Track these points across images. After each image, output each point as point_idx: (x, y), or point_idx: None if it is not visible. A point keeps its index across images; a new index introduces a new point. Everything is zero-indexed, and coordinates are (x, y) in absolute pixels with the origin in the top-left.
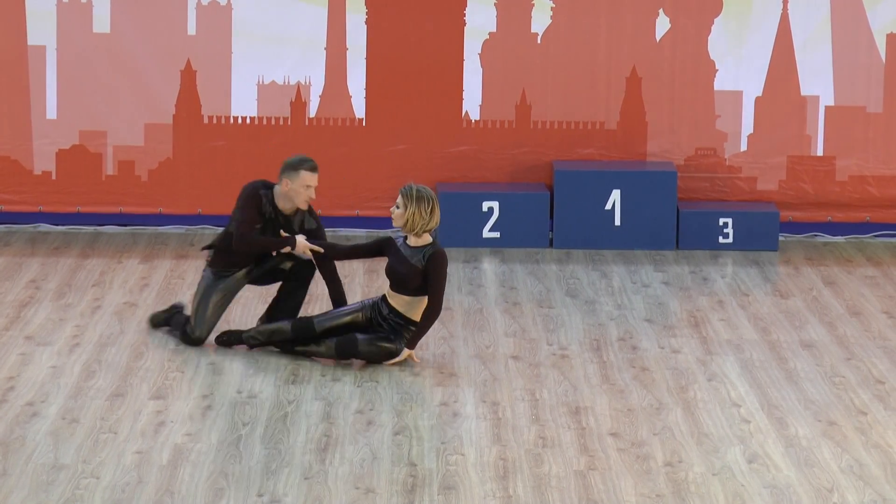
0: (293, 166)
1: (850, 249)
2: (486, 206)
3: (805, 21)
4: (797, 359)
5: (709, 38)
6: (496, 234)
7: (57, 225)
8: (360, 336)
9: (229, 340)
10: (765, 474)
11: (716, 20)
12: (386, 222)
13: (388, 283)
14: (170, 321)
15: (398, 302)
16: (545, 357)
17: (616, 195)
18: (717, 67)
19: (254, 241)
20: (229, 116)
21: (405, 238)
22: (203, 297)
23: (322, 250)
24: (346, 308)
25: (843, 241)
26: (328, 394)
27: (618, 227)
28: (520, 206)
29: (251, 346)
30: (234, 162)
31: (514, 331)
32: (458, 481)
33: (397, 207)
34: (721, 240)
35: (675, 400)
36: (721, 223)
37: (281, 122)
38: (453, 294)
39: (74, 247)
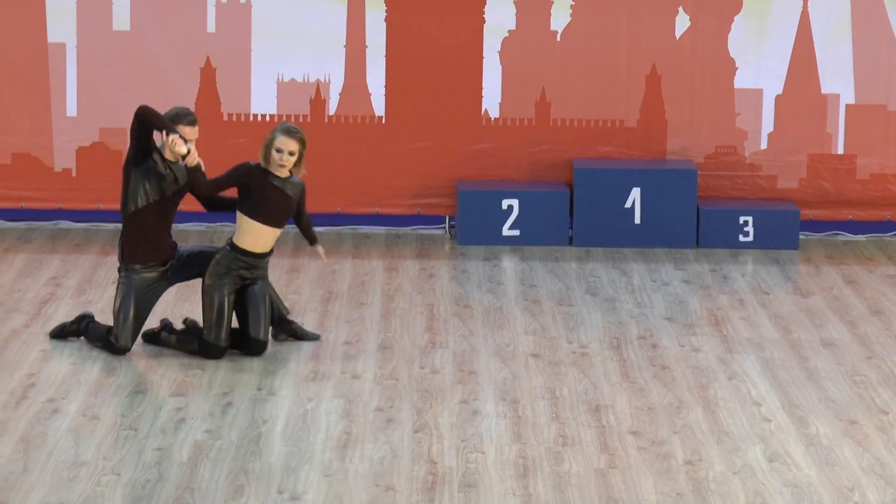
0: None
1: (871, 248)
2: (505, 203)
3: (825, 19)
4: (818, 357)
5: (729, 35)
6: (516, 232)
7: (77, 222)
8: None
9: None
10: (785, 473)
11: (736, 18)
12: (407, 220)
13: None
14: (82, 332)
15: (270, 239)
16: (565, 355)
17: (636, 193)
18: (737, 65)
19: (149, 112)
20: (249, 114)
21: (264, 171)
22: (122, 303)
23: (197, 162)
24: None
25: (864, 240)
26: (348, 391)
27: (638, 225)
28: (540, 203)
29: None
30: (254, 159)
31: (535, 329)
32: (479, 479)
33: (291, 154)
34: (741, 238)
35: (695, 398)
36: (741, 221)
37: (300, 120)
38: (473, 292)
39: (95, 244)
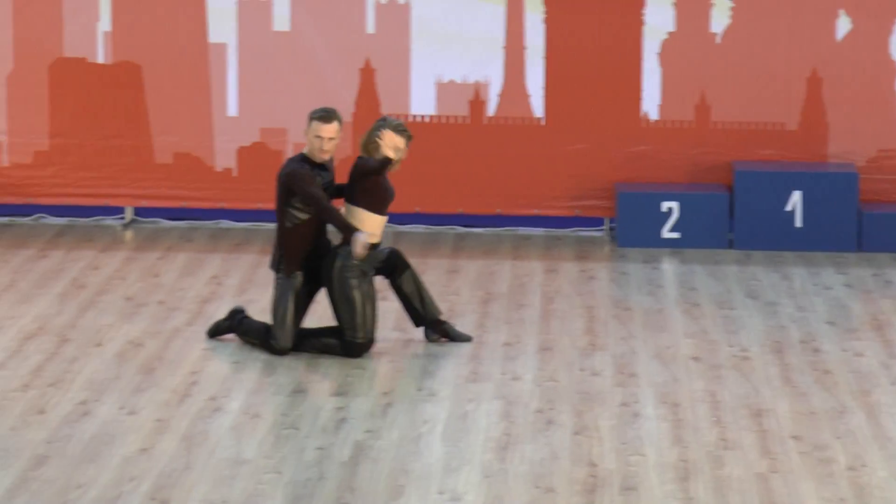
0: (309, 116)
1: None
2: (665, 206)
3: None
4: None
5: (890, 38)
6: (676, 235)
7: (238, 221)
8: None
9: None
10: None
11: None
12: (566, 221)
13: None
14: (235, 328)
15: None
16: (726, 358)
17: (797, 196)
18: None
19: (330, 212)
20: (408, 115)
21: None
22: (281, 304)
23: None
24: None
25: None
26: (508, 392)
27: (799, 228)
28: (699, 206)
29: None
30: (413, 161)
31: (695, 332)
32: (639, 482)
33: (380, 138)
34: None
35: (857, 403)
36: None
37: (459, 121)
38: (633, 294)
39: (255, 243)
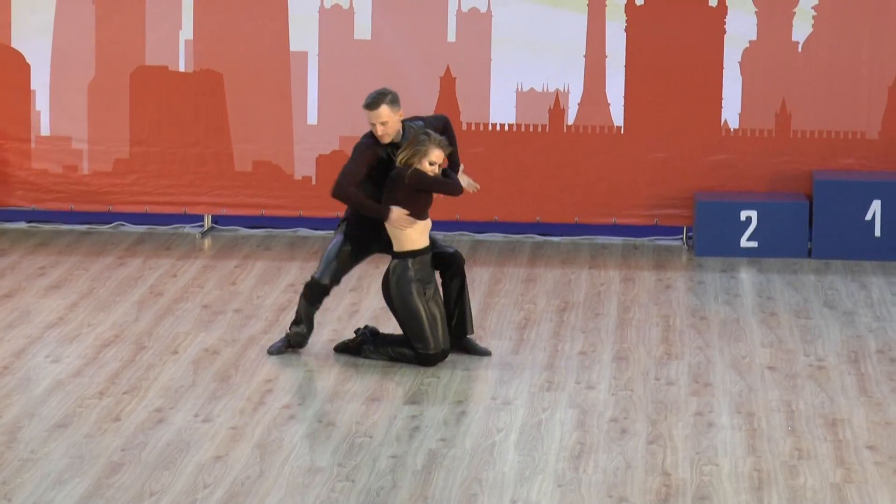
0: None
1: None
2: (744, 215)
3: None
4: None
5: None
6: (754, 244)
7: (316, 230)
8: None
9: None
10: None
11: None
12: (644, 230)
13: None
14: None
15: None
16: (802, 368)
17: (877, 206)
18: None
19: (351, 194)
20: (488, 123)
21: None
22: (335, 245)
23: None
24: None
25: None
26: (582, 401)
27: (878, 238)
28: (779, 215)
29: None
30: (493, 169)
31: (771, 341)
32: (712, 492)
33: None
34: None
35: None
36: None
37: (539, 130)
38: (710, 303)
39: None
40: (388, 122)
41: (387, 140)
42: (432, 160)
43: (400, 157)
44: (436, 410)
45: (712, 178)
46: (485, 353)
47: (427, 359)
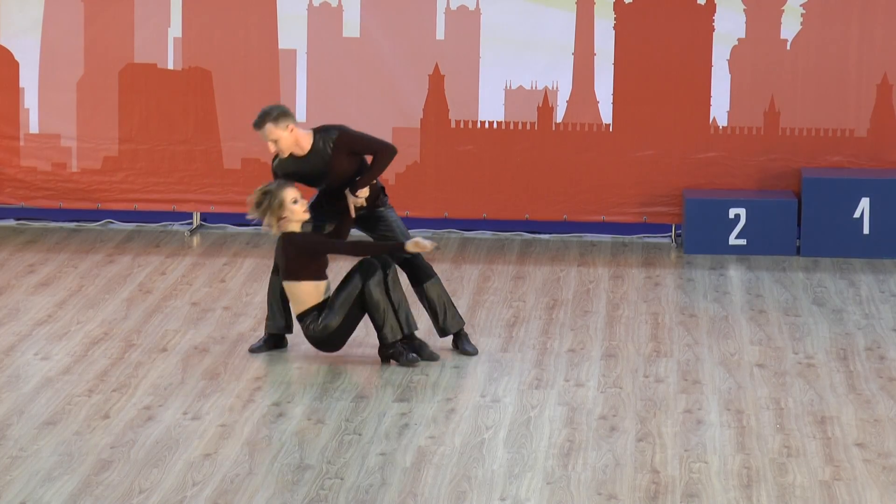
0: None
1: None
2: (732, 212)
3: None
4: None
5: None
6: (743, 242)
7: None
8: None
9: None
10: None
11: None
12: (633, 228)
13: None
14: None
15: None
16: (791, 366)
17: (865, 203)
18: None
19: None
20: (476, 121)
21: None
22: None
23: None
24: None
25: None
26: (571, 399)
27: (866, 235)
28: (767, 213)
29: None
30: (481, 167)
31: (760, 339)
32: (702, 489)
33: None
34: None
35: None
36: None
37: (528, 127)
38: (699, 301)
39: None
40: (278, 140)
41: (285, 155)
42: (293, 199)
43: (268, 224)
44: (425, 408)
45: (701, 175)
46: (469, 352)
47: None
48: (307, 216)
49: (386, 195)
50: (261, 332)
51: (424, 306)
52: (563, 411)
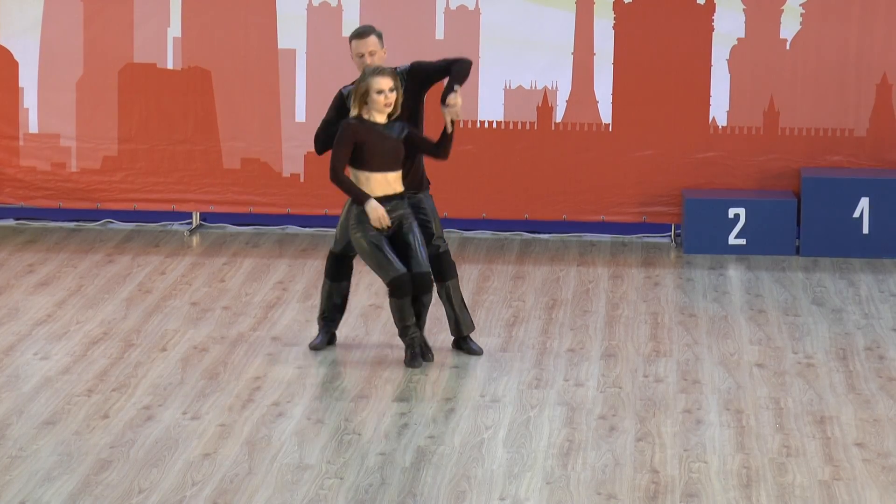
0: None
1: None
2: (732, 212)
3: None
4: None
5: None
6: (742, 241)
7: (305, 227)
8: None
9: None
10: None
11: None
12: (632, 227)
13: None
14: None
15: (392, 182)
16: (790, 365)
17: (865, 203)
18: None
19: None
20: (476, 121)
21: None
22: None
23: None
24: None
25: None
26: (571, 398)
27: (866, 235)
28: (767, 212)
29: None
30: (481, 166)
31: (760, 338)
32: (701, 489)
33: (392, 90)
34: None
35: None
36: None
37: (527, 127)
38: (698, 300)
39: (322, 249)
40: (375, 53)
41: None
42: (378, 89)
43: (353, 108)
44: (424, 407)
45: (700, 175)
46: (475, 351)
47: (395, 286)
48: (388, 109)
49: (429, 181)
50: (260, 332)
51: (444, 303)
52: (562, 411)
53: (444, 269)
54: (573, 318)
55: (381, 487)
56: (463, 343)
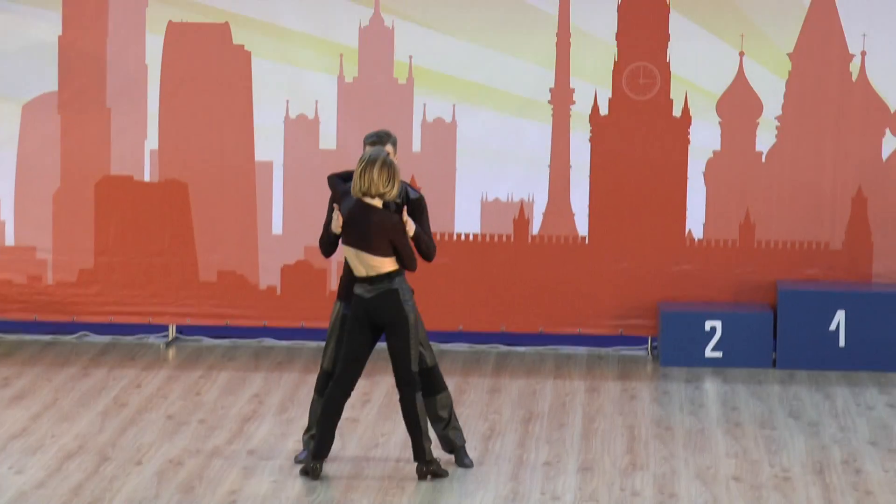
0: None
1: None
2: (708, 325)
3: None
4: None
5: None
6: (719, 354)
7: (281, 340)
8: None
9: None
10: None
11: None
12: (609, 340)
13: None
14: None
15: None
16: (767, 479)
17: (841, 316)
18: None
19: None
20: (453, 233)
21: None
22: (332, 330)
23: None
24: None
25: None
26: None
27: (842, 348)
28: (743, 325)
29: None
30: (457, 278)
31: (736, 451)
32: None
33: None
34: None
35: None
36: None
37: (504, 240)
38: (675, 413)
39: (298, 362)
40: None
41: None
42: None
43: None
44: None
45: (677, 288)
46: (468, 465)
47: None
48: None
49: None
50: (236, 446)
51: (432, 418)
52: None
53: (433, 383)
54: (549, 431)
55: None
56: (458, 456)
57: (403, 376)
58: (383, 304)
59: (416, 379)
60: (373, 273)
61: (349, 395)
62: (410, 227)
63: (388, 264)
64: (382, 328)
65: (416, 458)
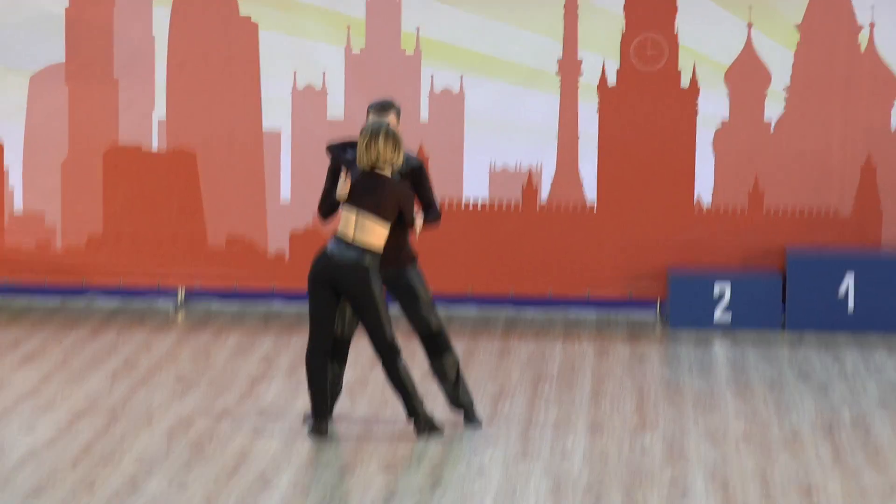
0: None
1: None
2: (717, 288)
3: None
4: None
5: None
6: (728, 317)
7: (290, 303)
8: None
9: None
10: None
11: None
12: (617, 303)
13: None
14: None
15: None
16: (776, 439)
17: (850, 280)
18: None
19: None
20: (461, 202)
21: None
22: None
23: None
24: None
25: None
26: (557, 470)
27: (851, 314)
28: (752, 289)
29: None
30: (466, 243)
31: (745, 412)
32: None
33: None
34: None
35: None
36: None
37: (512, 208)
38: (684, 376)
39: (306, 325)
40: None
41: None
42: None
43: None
44: (410, 478)
45: (686, 254)
46: (475, 423)
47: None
48: None
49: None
50: (245, 406)
51: (440, 378)
52: (548, 483)
53: (439, 344)
54: (559, 392)
55: None
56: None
57: (380, 347)
58: (351, 277)
59: (392, 346)
60: (358, 239)
61: (329, 352)
62: (419, 223)
63: (380, 234)
64: (341, 294)
65: (408, 417)
